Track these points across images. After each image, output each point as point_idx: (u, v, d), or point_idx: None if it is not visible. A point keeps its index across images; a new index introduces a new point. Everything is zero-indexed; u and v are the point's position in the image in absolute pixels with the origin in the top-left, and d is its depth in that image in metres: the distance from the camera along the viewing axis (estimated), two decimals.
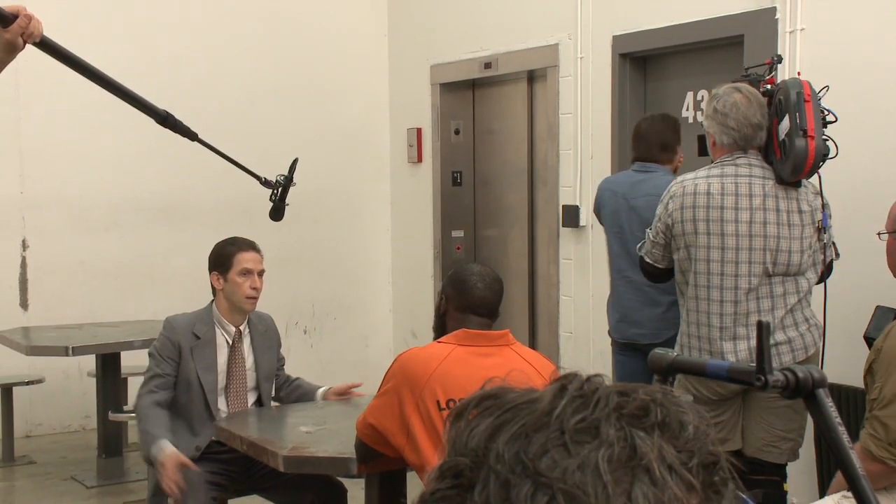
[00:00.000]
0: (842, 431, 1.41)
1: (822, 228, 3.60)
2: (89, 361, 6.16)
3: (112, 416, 5.67)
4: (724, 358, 3.57)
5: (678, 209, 3.65)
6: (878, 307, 3.86)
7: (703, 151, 3.97)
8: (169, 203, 6.99)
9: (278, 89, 7.27)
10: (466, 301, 2.98)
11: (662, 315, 4.33)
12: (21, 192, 6.63)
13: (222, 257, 3.97)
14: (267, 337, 4.11)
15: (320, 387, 4.17)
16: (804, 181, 3.61)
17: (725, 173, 3.60)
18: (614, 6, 5.70)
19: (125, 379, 6.10)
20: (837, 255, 3.74)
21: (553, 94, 6.18)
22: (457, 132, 7.22)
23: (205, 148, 3.45)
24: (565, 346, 6.17)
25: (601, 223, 4.74)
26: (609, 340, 4.80)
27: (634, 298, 4.46)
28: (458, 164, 7.23)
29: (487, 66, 6.69)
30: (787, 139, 3.49)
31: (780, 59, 3.91)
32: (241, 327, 4.02)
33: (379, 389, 2.94)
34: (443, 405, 2.76)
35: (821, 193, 3.62)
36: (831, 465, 4.07)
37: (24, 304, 6.67)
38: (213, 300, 4.02)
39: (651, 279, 3.97)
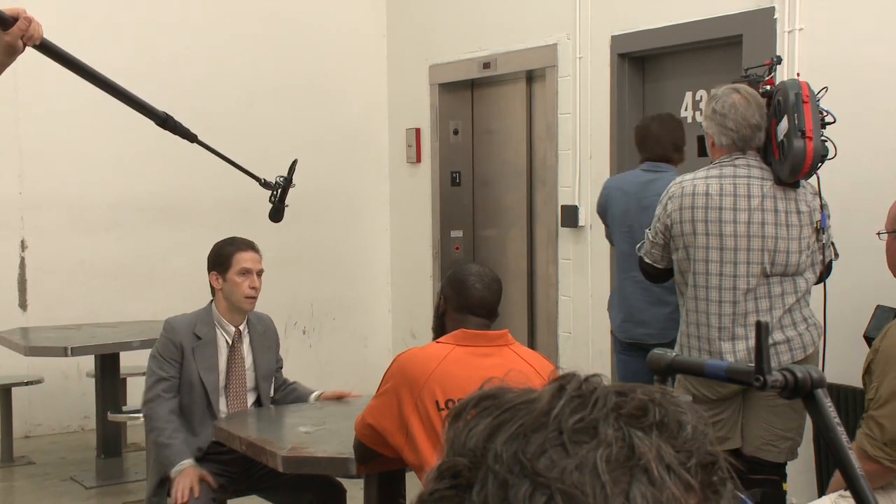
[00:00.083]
0: (840, 431, 1.41)
1: (820, 229, 3.61)
2: (88, 362, 6.16)
3: (111, 416, 5.66)
4: (722, 358, 3.57)
5: (677, 210, 3.66)
6: (878, 307, 3.86)
7: (702, 152, 3.97)
8: (169, 203, 6.99)
9: (278, 89, 7.27)
10: (465, 301, 2.98)
11: (670, 315, 4.32)
12: (20, 192, 6.62)
13: (221, 257, 3.97)
14: (266, 337, 4.11)
15: (314, 391, 4.19)
16: (803, 182, 3.61)
17: (724, 174, 3.61)
18: (613, 6, 5.71)
19: (124, 379, 6.10)
20: (836, 255, 3.75)
21: (552, 94, 6.18)
22: (456, 132, 7.22)
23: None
24: (564, 346, 6.17)
25: (605, 223, 4.72)
26: (609, 340, 4.80)
27: (641, 298, 4.46)
28: (457, 165, 7.23)
29: (486, 66, 6.69)
30: (786, 140, 3.50)
31: (779, 60, 3.91)
32: (241, 327, 4.02)
33: (378, 390, 2.94)
34: (442, 405, 2.76)
35: (819, 194, 3.62)
36: (830, 464, 4.08)
37: (23, 305, 6.67)
38: (212, 300, 4.02)
39: (650, 279, 3.98)
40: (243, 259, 3.95)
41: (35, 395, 6.58)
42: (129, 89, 3.11)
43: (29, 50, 2.64)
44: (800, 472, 4.34)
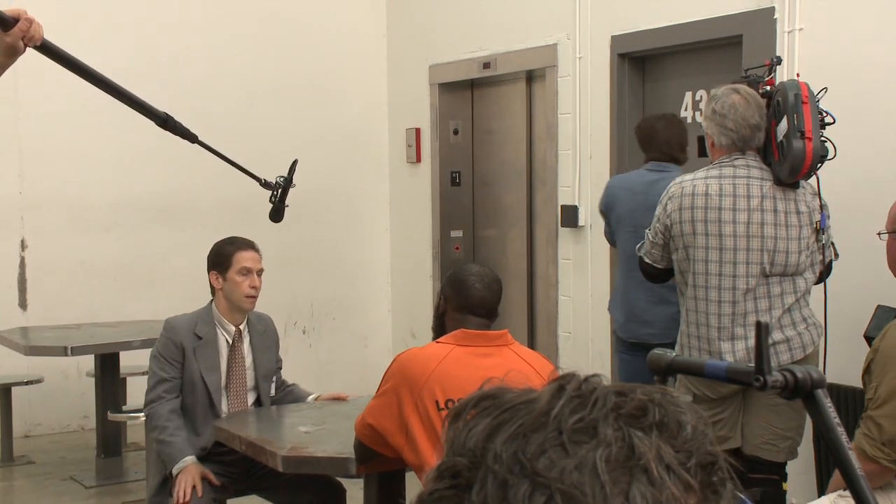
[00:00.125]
0: (841, 432, 1.41)
1: (820, 229, 3.61)
2: (88, 361, 6.16)
3: (111, 416, 5.66)
4: (721, 358, 3.57)
5: (677, 210, 3.66)
6: (878, 307, 3.86)
7: (702, 152, 3.98)
8: (169, 203, 6.99)
9: (278, 89, 7.27)
10: (465, 301, 2.98)
11: (674, 315, 4.31)
12: (20, 191, 6.63)
13: (221, 256, 3.97)
14: (266, 337, 4.11)
15: (312, 393, 4.20)
16: (802, 182, 3.61)
17: (724, 174, 3.61)
18: (613, 6, 5.71)
19: (124, 379, 6.10)
20: (837, 255, 3.75)
21: (552, 94, 6.18)
22: (455, 132, 7.22)
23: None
24: (564, 346, 6.17)
25: (609, 222, 4.68)
26: (608, 340, 4.80)
27: (645, 298, 4.45)
28: (457, 165, 7.23)
29: (486, 66, 6.69)
30: (785, 140, 3.50)
31: (779, 61, 3.91)
32: (241, 327, 4.02)
33: (378, 390, 2.94)
34: (441, 405, 2.76)
35: (819, 194, 3.63)
36: (830, 465, 4.08)
37: (23, 304, 6.67)
38: (212, 300, 4.02)
39: (650, 279, 3.98)
40: (243, 258, 3.95)
41: (35, 395, 6.58)
42: (129, 89, 3.11)
43: (29, 50, 2.64)
44: (800, 473, 4.34)
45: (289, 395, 4.20)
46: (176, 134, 3.29)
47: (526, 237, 6.80)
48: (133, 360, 5.93)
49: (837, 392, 4.16)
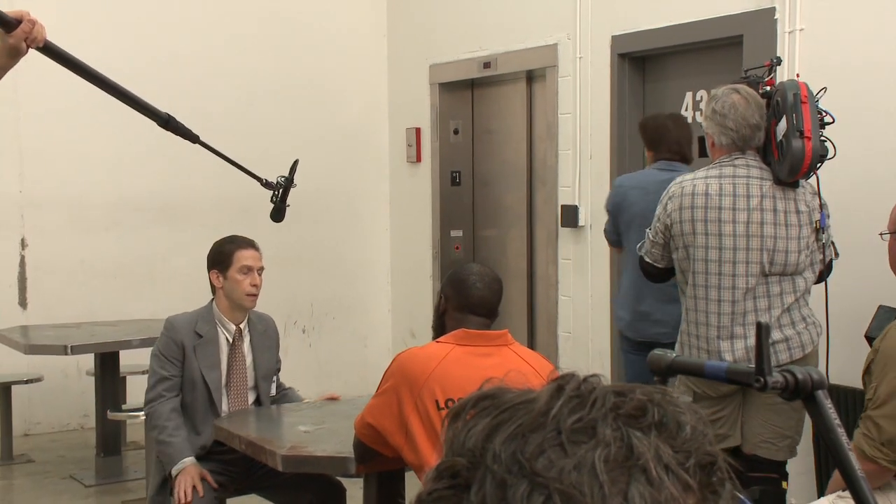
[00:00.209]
0: (841, 433, 1.41)
1: (819, 228, 3.61)
2: (88, 360, 6.16)
3: (111, 414, 5.66)
4: (721, 357, 3.58)
5: (677, 210, 3.66)
6: (880, 307, 3.87)
7: (702, 152, 3.98)
8: (169, 203, 7.00)
9: (278, 89, 7.27)
10: (465, 301, 2.98)
11: None
12: (20, 191, 6.63)
13: (222, 255, 3.98)
14: (266, 336, 4.11)
15: (306, 399, 4.23)
16: (802, 182, 3.62)
17: (724, 174, 3.61)
18: (613, 6, 5.71)
19: (124, 378, 6.10)
20: (837, 254, 3.75)
21: (552, 94, 6.18)
22: (456, 132, 7.22)
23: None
24: (564, 347, 6.17)
25: (617, 221, 4.63)
26: (608, 340, 4.79)
27: (655, 297, 4.44)
28: (457, 164, 7.23)
29: (486, 65, 6.69)
30: (785, 140, 3.50)
31: (779, 61, 3.91)
32: (241, 326, 4.02)
33: (377, 389, 2.94)
34: (441, 405, 2.76)
35: (818, 194, 3.63)
36: (830, 465, 4.08)
37: (22, 303, 6.67)
38: (212, 299, 4.02)
39: (650, 278, 3.98)
40: (244, 257, 3.96)
41: (35, 394, 6.59)
42: (130, 89, 3.11)
43: (30, 51, 2.64)
44: (800, 473, 4.34)
45: (284, 397, 4.21)
46: (178, 134, 3.29)
47: (526, 237, 6.80)
48: (133, 359, 5.93)
49: (838, 392, 4.16)
